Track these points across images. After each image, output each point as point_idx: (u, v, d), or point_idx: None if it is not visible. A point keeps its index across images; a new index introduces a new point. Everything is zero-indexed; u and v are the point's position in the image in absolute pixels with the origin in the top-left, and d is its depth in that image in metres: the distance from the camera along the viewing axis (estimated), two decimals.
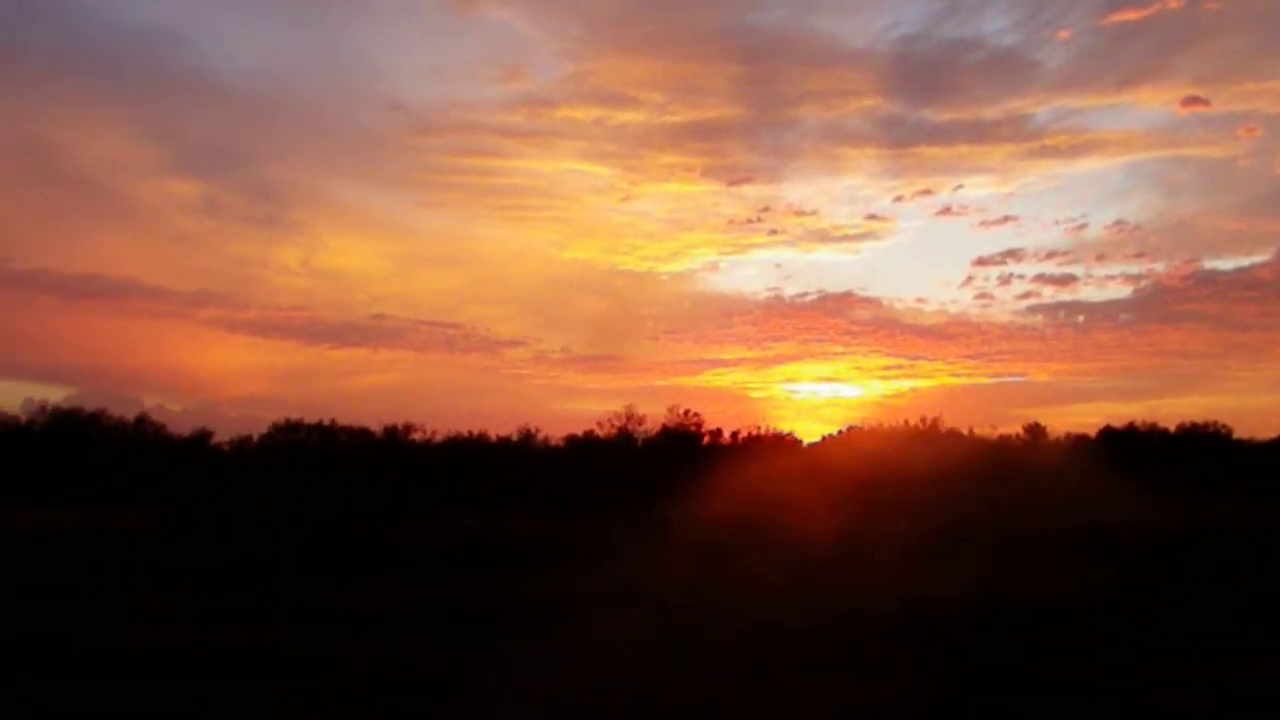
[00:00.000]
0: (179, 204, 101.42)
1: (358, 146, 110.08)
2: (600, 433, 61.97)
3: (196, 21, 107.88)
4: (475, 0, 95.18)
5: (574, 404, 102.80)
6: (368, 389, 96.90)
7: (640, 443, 60.94)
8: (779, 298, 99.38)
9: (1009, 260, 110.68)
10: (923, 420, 69.89)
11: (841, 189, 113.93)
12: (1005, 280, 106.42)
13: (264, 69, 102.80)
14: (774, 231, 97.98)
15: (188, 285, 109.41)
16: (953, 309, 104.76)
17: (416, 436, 61.13)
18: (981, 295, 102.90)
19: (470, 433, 63.26)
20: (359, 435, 60.86)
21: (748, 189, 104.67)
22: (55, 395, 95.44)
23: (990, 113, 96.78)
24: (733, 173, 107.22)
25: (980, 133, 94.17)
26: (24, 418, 59.65)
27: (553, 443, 64.52)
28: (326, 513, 35.29)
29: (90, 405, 61.74)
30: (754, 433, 68.28)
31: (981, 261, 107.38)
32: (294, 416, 61.65)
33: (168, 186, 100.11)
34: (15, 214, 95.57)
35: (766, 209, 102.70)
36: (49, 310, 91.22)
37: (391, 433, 60.24)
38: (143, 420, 62.49)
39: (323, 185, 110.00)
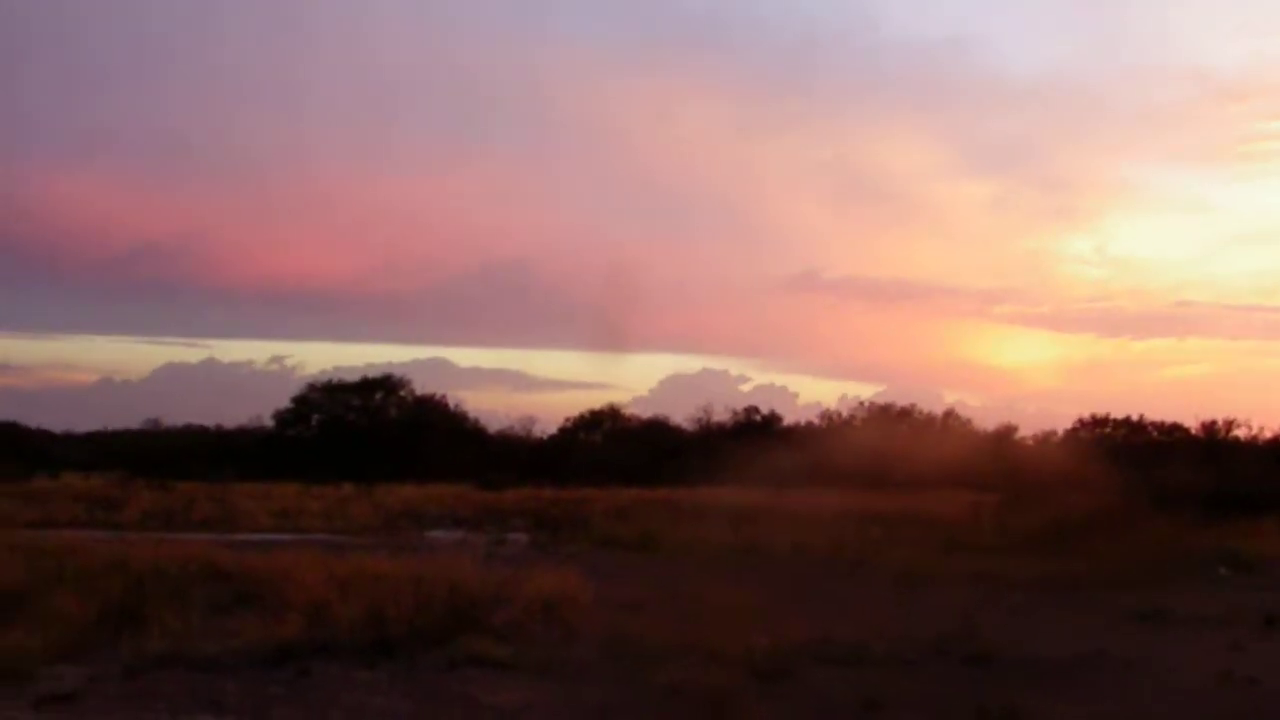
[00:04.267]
0: (972, 204, 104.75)
1: (1154, 124, 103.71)
2: None
3: (984, 26, 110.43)
4: None
5: None
6: (1174, 381, 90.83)
7: None
8: None
9: None
10: None
11: None
12: None
13: (1049, 60, 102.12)
14: None
15: (983, 283, 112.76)
16: None
17: (1240, 433, 55.71)
18: None
19: None
20: (1171, 431, 57.24)
21: None
22: (866, 392, 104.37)
23: None
24: None
25: None
26: (844, 413, 66.58)
27: None
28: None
29: (900, 401, 66.57)
30: None
31: None
32: (1098, 411, 60.25)
33: (961, 188, 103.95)
34: (830, 227, 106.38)
35: None
36: (859, 314, 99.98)
37: (1210, 429, 55.63)
38: (950, 414, 65.78)
39: (1115, 169, 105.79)
